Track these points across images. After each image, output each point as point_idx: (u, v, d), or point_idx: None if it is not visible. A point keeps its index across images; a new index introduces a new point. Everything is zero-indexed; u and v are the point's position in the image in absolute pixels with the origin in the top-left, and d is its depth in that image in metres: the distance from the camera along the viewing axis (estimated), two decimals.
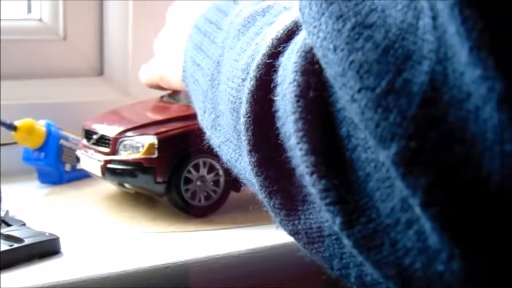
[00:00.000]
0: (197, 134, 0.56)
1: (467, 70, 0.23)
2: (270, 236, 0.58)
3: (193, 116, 0.60)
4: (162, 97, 0.70)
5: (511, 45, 0.22)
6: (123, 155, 0.62)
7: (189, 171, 0.62)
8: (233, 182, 0.63)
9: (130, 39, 0.84)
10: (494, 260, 0.24)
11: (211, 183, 0.63)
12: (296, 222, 0.34)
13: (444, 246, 0.24)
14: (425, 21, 0.25)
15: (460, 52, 0.23)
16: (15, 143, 0.70)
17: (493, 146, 0.23)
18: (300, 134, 0.30)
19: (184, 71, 0.50)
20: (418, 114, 0.25)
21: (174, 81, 0.58)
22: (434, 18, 0.25)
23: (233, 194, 0.65)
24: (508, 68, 0.22)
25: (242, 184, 0.63)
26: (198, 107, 0.47)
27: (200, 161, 0.62)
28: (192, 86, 0.48)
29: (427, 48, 0.25)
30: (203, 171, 0.62)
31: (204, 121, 0.45)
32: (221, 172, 0.63)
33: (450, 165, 0.24)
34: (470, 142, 0.24)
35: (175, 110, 0.65)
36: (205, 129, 0.46)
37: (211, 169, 0.63)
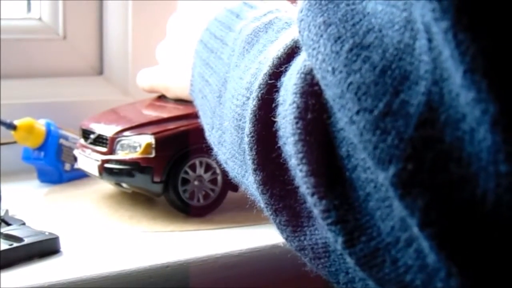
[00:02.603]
0: (195, 134, 0.56)
1: (461, 92, 0.24)
2: (271, 235, 0.57)
3: (191, 116, 0.60)
4: (159, 96, 0.70)
5: (504, 68, 0.23)
6: (120, 154, 0.62)
7: (185, 172, 0.62)
8: (231, 183, 0.63)
9: (130, 39, 0.84)
10: (492, 277, 0.24)
11: (209, 182, 0.63)
12: (302, 238, 0.34)
13: (442, 264, 0.25)
14: (422, 42, 0.25)
15: (455, 74, 0.24)
16: (14, 142, 0.70)
17: (487, 167, 0.23)
18: (300, 155, 0.30)
19: (192, 85, 0.51)
20: (415, 135, 0.25)
21: (181, 92, 0.58)
22: (430, 40, 0.25)
23: (232, 194, 0.65)
24: (502, 91, 0.23)
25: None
26: (206, 123, 0.47)
27: (197, 161, 0.62)
28: (200, 101, 0.49)
29: (423, 69, 0.25)
30: (200, 170, 0.62)
31: (211, 137, 0.46)
32: (218, 170, 0.63)
33: (446, 185, 0.24)
34: (466, 162, 0.24)
35: (172, 109, 0.65)
36: (212, 145, 0.46)
37: (208, 168, 0.63)
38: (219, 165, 0.61)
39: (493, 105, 0.22)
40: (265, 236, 0.58)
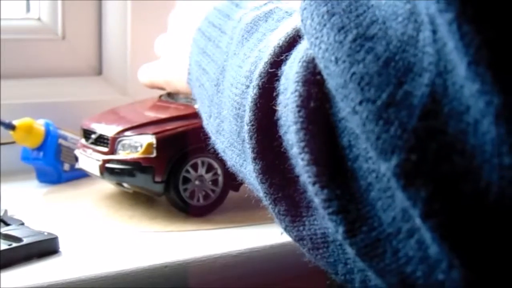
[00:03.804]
0: (196, 134, 0.56)
1: (465, 84, 0.24)
2: (269, 235, 0.57)
3: (192, 116, 0.60)
4: (160, 96, 0.70)
5: (508, 60, 0.23)
6: (122, 154, 0.62)
7: (187, 171, 0.62)
8: (232, 182, 0.63)
9: (129, 39, 0.84)
10: (494, 269, 0.24)
11: (210, 183, 0.63)
12: (301, 228, 0.34)
13: (444, 256, 0.25)
14: (425, 34, 0.25)
15: (459, 66, 0.24)
16: (13, 142, 0.70)
17: (491, 159, 0.23)
18: (302, 144, 0.30)
19: (189, 74, 0.51)
20: (418, 126, 0.25)
21: (181, 86, 0.58)
22: (434, 32, 0.25)
23: (232, 193, 0.65)
24: (506, 83, 0.22)
25: (241, 184, 0.63)
26: (203, 112, 0.47)
27: (199, 160, 0.62)
28: (197, 90, 0.48)
29: (427, 60, 0.25)
30: (202, 170, 0.62)
31: (209, 125, 0.45)
32: (219, 171, 0.63)
33: (449, 177, 0.24)
34: (470, 154, 0.24)
35: (173, 109, 0.65)
36: (210, 134, 0.46)
37: (210, 168, 0.63)
38: (221, 166, 0.61)
39: (497, 97, 0.22)
40: (264, 236, 0.58)
